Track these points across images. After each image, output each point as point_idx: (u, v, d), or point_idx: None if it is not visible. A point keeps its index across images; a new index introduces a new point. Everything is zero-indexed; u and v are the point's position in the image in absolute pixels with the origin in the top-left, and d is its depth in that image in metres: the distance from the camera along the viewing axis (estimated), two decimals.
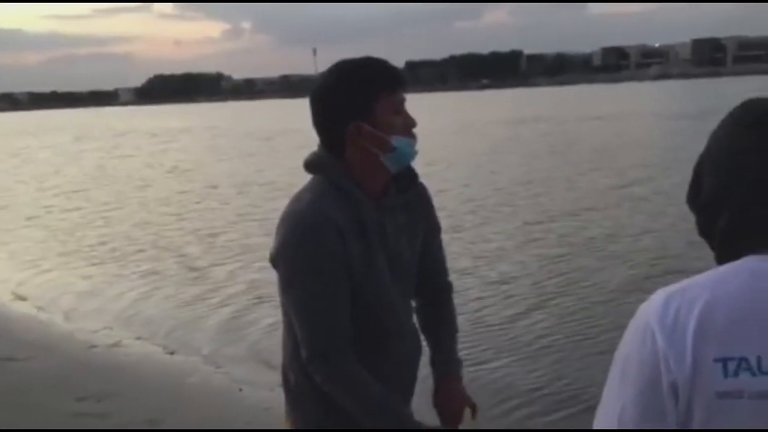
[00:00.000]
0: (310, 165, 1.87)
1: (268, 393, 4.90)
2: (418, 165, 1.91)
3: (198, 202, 15.14)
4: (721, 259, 1.10)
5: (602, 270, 8.05)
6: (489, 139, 27.16)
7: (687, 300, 1.03)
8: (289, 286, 1.80)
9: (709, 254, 1.14)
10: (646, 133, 25.90)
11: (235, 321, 7.11)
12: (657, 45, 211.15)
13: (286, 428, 1.98)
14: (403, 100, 1.83)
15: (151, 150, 30.98)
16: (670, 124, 28.24)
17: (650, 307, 1.06)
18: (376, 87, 1.78)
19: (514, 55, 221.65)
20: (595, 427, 1.10)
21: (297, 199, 1.83)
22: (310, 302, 1.77)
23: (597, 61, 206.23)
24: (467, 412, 2.00)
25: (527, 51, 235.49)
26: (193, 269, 9.36)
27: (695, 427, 1.02)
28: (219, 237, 11.37)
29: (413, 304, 2.06)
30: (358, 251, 1.77)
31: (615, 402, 1.06)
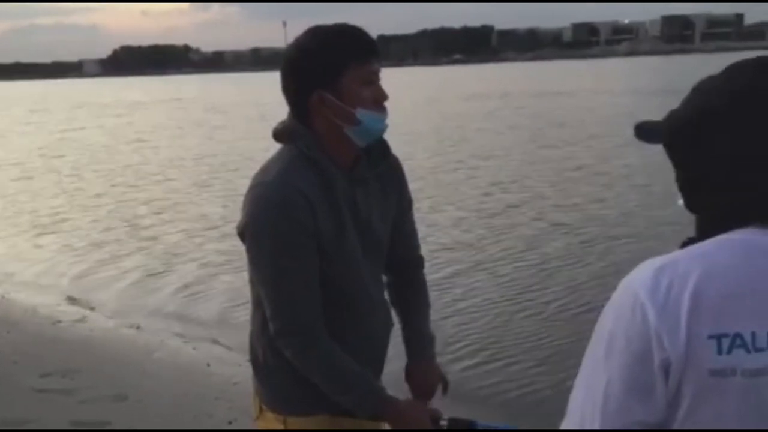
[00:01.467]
0: (279, 134, 1.82)
1: (236, 368, 4.87)
2: (391, 137, 1.86)
3: (156, 174, 14.92)
4: (708, 232, 1.05)
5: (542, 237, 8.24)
6: (453, 114, 27.15)
7: (679, 274, 0.99)
8: (257, 259, 1.75)
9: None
10: (610, 108, 26.05)
11: (201, 296, 7.04)
12: (627, 21, 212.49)
13: (254, 403, 1.94)
14: (375, 72, 1.76)
15: (106, 123, 30.42)
16: (636, 100, 28.45)
17: (638, 281, 1.01)
18: (344, 55, 1.71)
19: (486, 30, 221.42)
20: (575, 401, 1.06)
21: (265, 170, 1.77)
22: (279, 276, 1.72)
23: (568, 37, 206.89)
24: (439, 388, 1.98)
25: (498, 26, 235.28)
26: (155, 242, 9.27)
27: (685, 405, 0.98)
28: (179, 208, 11.31)
29: (384, 278, 2.03)
30: (328, 224, 1.73)
31: (600, 376, 1.02)
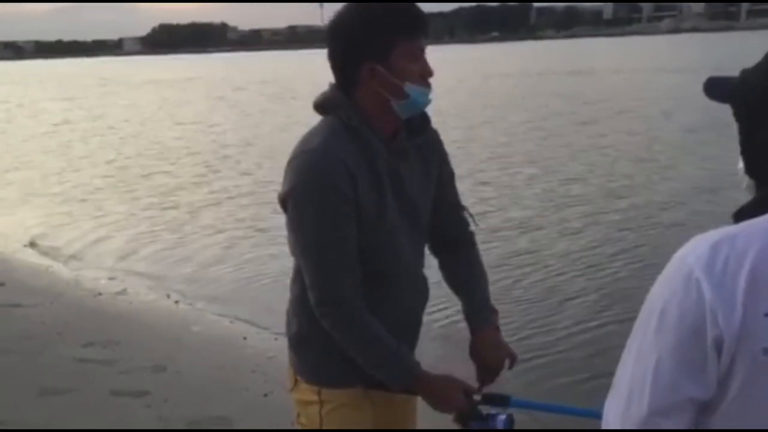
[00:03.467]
0: (320, 106, 1.83)
1: (272, 342, 4.94)
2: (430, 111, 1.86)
3: (175, 158, 14.89)
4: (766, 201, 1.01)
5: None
6: (493, 93, 26.86)
7: (737, 249, 0.96)
8: (298, 229, 1.76)
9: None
10: (648, 87, 25.53)
11: (239, 271, 7.12)
12: None
13: (289, 375, 1.96)
14: (423, 47, 1.77)
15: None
16: (676, 78, 27.81)
17: (694, 256, 0.98)
18: (396, 30, 1.72)
19: (524, 8, 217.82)
20: (623, 376, 1.04)
21: (306, 140, 1.78)
22: (320, 246, 1.73)
23: (608, 14, 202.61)
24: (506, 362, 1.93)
25: (537, 3, 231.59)
26: (198, 218, 9.36)
27: (736, 383, 0.96)
28: (213, 185, 11.37)
29: (436, 258, 2.03)
30: (369, 194, 1.73)
31: (650, 351, 1.00)
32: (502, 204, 9.19)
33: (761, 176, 1.06)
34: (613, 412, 1.05)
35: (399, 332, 1.82)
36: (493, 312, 1.97)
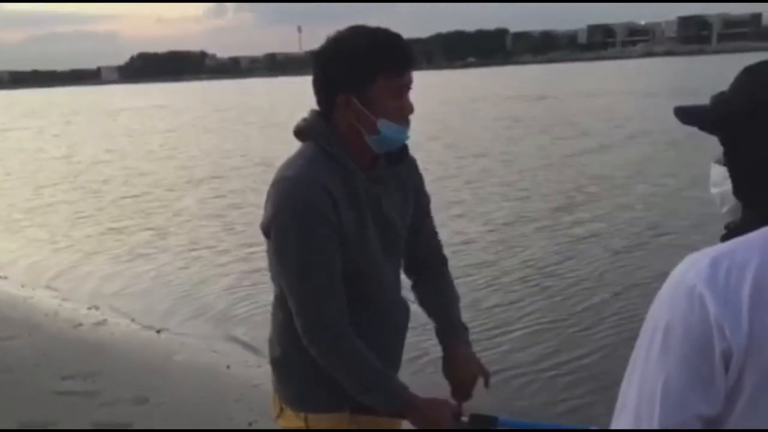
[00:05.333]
0: (301, 132, 1.84)
1: (256, 370, 4.89)
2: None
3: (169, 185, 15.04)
4: (755, 219, 1.02)
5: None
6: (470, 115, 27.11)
7: (737, 263, 0.96)
8: (282, 255, 1.75)
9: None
10: (623, 109, 25.91)
11: (221, 299, 7.06)
12: (643, 23, 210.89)
13: (274, 403, 1.96)
14: (406, 84, 1.76)
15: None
16: (650, 101, 28.25)
17: (693, 271, 0.98)
18: (378, 66, 1.71)
19: (500, 33, 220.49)
20: (628, 399, 1.02)
21: (287, 165, 1.79)
22: (306, 272, 1.73)
23: (583, 39, 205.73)
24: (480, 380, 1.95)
25: (513, 29, 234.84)
26: (174, 246, 9.32)
27: (745, 396, 0.96)
28: (188, 212, 11.40)
29: (410, 280, 2.04)
30: (350, 219, 1.74)
31: (656, 371, 0.99)
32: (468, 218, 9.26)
33: (747, 198, 1.07)
34: None
35: (383, 356, 1.82)
36: (465, 329, 2.00)
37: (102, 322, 6.38)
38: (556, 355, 5.22)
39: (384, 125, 1.74)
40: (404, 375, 1.95)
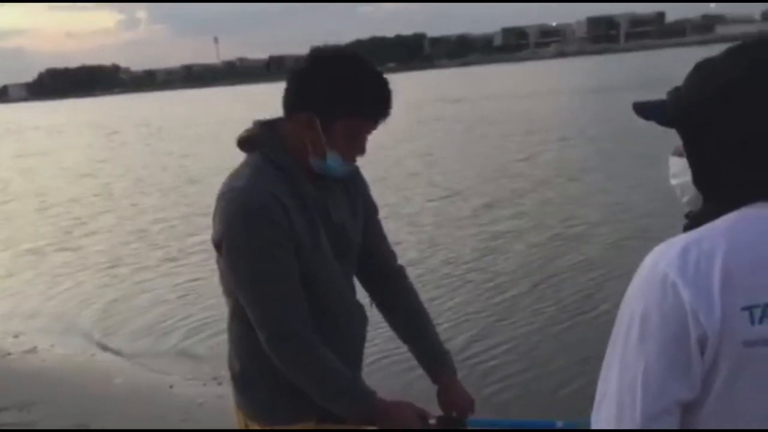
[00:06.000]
0: (244, 142, 1.82)
1: (201, 388, 4.81)
2: None
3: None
4: (716, 209, 1.07)
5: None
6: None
7: (705, 250, 1.01)
8: (238, 265, 1.73)
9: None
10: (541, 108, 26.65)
11: (151, 316, 6.91)
12: (554, 24, 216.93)
13: (238, 419, 1.94)
14: (370, 129, 1.76)
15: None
16: (566, 100, 29.15)
17: (664, 261, 1.02)
18: (358, 107, 1.71)
19: (418, 38, 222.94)
20: (609, 389, 1.05)
21: (234, 176, 1.78)
22: (264, 282, 1.71)
23: (498, 42, 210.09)
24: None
25: (430, 34, 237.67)
26: (93, 264, 9.12)
27: (720, 378, 1.00)
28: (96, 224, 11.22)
29: (367, 292, 2.05)
30: (302, 226, 1.74)
31: (635, 361, 1.02)
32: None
33: (707, 188, 1.12)
34: (604, 424, 1.06)
35: (345, 361, 1.82)
36: (449, 355, 2.03)
37: (32, 350, 6.14)
38: (476, 345, 5.39)
39: (332, 158, 1.74)
40: (367, 378, 1.97)
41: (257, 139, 1.80)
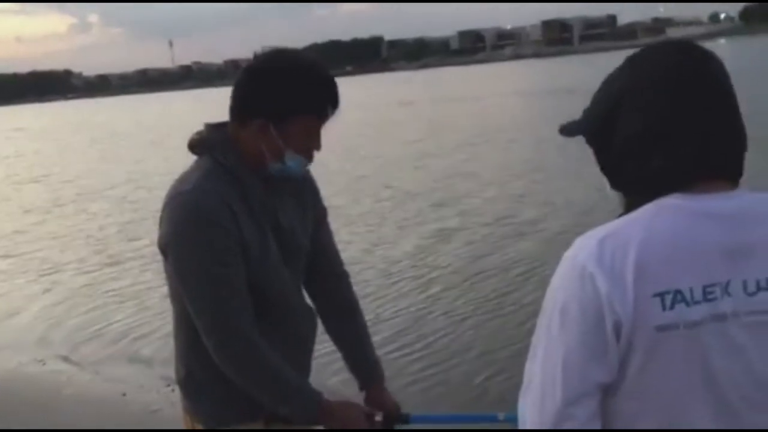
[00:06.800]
0: (195, 145, 1.81)
1: (154, 395, 4.74)
2: None
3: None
4: (634, 206, 1.13)
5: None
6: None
7: (621, 242, 1.07)
8: (185, 269, 1.72)
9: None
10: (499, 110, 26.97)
11: (102, 322, 6.79)
12: (509, 27, 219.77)
13: (186, 423, 1.92)
14: (322, 125, 1.77)
15: None
16: (520, 101, 29.56)
17: (584, 253, 1.08)
18: (307, 106, 1.72)
19: (375, 41, 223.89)
20: (533, 375, 1.12)
21: (182, 180, 1.76)
22: (210, 287, 1.70)
23: (455, 45, 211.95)
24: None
25: (387, 37, 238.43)
26: (33, 270, 9.01)
27: (636, 362, 1.07)
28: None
29: (311, 294, 2.04)
30: (250, 231, 1.73)
31: (557, 348, 1.09)
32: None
33: (620, 187, 1.19)
34: (529, 410, 1.12)
35: (294, 364, 1.82)
36: (380, 364, 2.06)
37: None
38: (401, 338, 5.56)
39: (290, 158, 1.74)
40: (318, 378, 1.97)
41: (208, 143, 1.79)
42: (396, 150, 18.07)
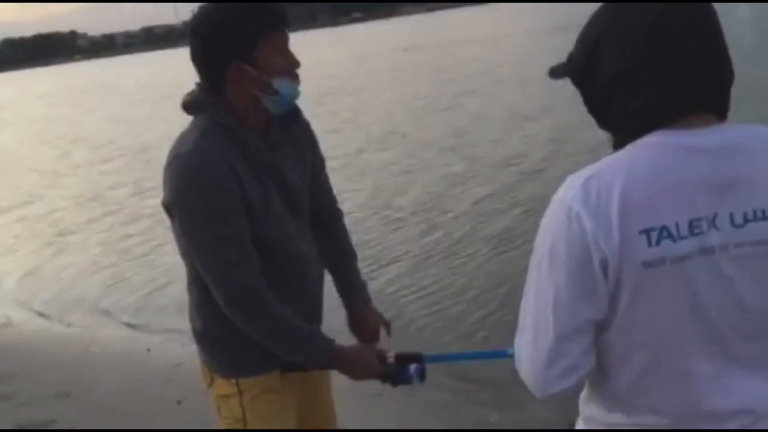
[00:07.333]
0: (190, 105, 1.83)
1: (178, 349, 4.85)
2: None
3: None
4: (622, 143, 1.15)
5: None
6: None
7: (605, 181, 1.09)
8: (191, 231, 1.76)
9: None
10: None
11: (121, 282, 6.94)
12: None
13: (204, 375, 1.98)
14: (285, 41, 1.78)
15: None
16: (528, 42, 29.01)
17: (570, 194, 1.11)
18: (258, 26, 1.72)
19: None
20: (526, 315, 1.15)
21: (181, 141, 1.78)
22: (217, 246, 1.74)
23: None
24: (382, 330, 2.09)
25: None
26: (61, 233, 9.14)
27: (625, 297, 1.10)
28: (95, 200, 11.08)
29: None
30: (253, 188, 1.76)
31: (547, 287, 1.12)
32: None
33: (608, 126, 1.21)
34: (524, 348, 1.16)
35: (304, 314, 1.87)
36: (363, 285, 2.12)
37: (6, 324, 6.14)
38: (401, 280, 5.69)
39: (280, 84, 1.75)
40: (329, 326, 2.02)
41: (201, 103, 1.80)
42: (403, 96, 17.90)
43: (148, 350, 5.12)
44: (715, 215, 1.09)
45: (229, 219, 1.73)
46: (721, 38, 1.14)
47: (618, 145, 1.17)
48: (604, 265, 1.08)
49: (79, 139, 19.18)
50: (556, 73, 1.29)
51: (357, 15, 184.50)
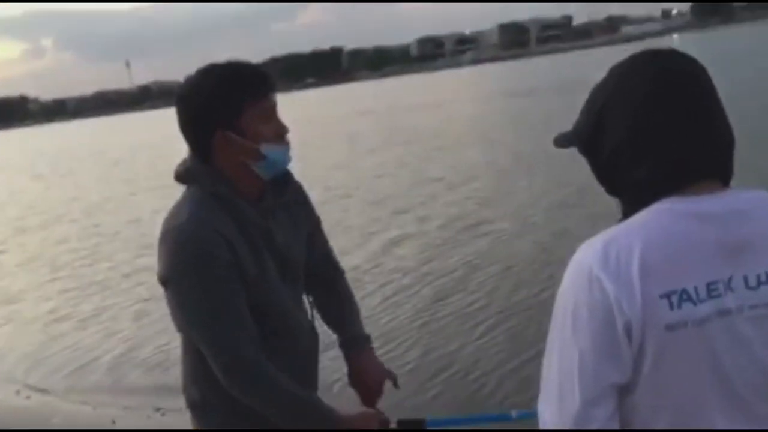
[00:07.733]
0: (182, 176, 1.83)
1: (145, 420, 4.70)
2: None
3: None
4: (631, 210, 1.18)
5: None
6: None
7: (624, 245, 1.12)
8: (186, 305, 1.75)
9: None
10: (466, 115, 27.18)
11: (86, 351, 6.69)
12: (468, 32, 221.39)
13: None
14: (272, 106, 1.80)
15: None
16: (485, 106, 29.80)
17: (589, 257, 1.13)
18: (242, 93, 1.75)
19: (335, 52, 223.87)
20: (550, 378, 1.15)
21: (175, 213, 1.78)
22: (213, 317, 1.73)
23: (414, 52, 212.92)
24: (388, 383, 2.02)
25: (348, 47, 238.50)
26: (20, 298, 8.89)
27: (648, 361, 1.11)
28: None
29: (309, 299, 2.06)
30: (247, 257, 1.76)
31: (571, 350, 1.13)
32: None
33: (616, 193, 1.25)
34: (548, 412, 1.16)
35: (301, 380, 1.85)
36: (367, 337, 2.07)
37: None
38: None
39: (267, 149, 1.77)
40: (327, 395, 2.00)
41: (194, 172, 1.81)
42: (357, 160, 18.08)
43: (114, 422, 4.93)
44: (731, 278, 1.12)
45: (224, 290, 1.73)
46: (715, 101, 1.18)
47: (626, 211, 1.20)
48: (628, 329, 1.10)
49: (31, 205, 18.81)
50: (560, 142, 1.33)
51: (310, 81, 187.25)
